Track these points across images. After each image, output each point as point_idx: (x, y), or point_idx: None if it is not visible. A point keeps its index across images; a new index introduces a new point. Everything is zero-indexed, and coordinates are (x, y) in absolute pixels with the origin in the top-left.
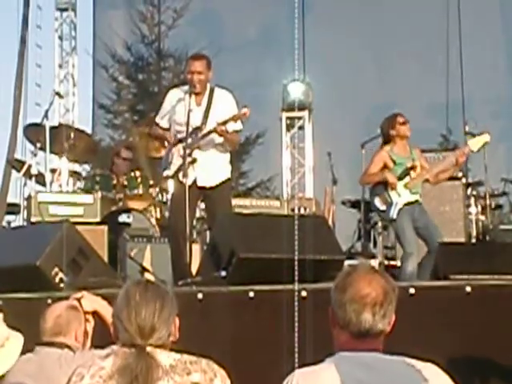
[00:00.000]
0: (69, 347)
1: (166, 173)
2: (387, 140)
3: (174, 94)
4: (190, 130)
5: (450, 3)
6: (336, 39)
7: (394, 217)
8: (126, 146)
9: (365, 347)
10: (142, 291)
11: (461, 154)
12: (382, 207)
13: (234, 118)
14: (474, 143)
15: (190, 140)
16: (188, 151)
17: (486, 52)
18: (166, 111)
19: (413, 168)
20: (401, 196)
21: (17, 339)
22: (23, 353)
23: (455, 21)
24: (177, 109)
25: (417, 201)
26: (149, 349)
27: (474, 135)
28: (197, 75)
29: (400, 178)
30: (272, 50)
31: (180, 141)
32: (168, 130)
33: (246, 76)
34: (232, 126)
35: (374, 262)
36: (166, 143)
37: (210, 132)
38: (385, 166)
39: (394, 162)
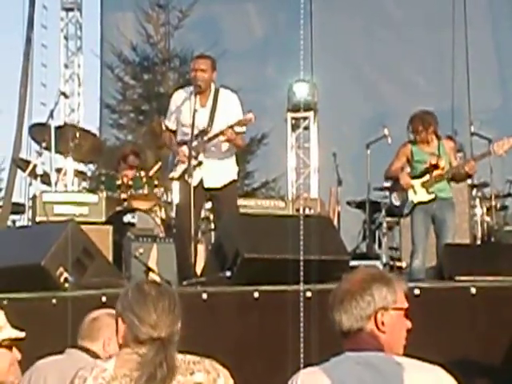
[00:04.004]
0: (98, 356)
1: (172, 174)
2: None
3: (178, 96)
4: (196, 131)
5: (456, 11)
6: (342, 40)
7: (406, 213)
8: (133, 152)
9: (354, 347)
10: (155, 287)
11: (470, 167)
12: (397, 203)
13: (240, 124)
14: (499, 146)
15: (195, 143)
16: (194, 153)
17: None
18: (172, 112)
19: (436, 166)
20: (417, 194)
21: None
22: (29, 353)
23: (461, 27)
24: (182, 110)
25: (434, 199)
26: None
27: (481, 137)
28: (200, 72)
29: (419, 176)
30: (278, 50)
31: (185, 143)
32: (175, 131)
33: (252, 76)
34: (236, 129)
35: (379, 264)
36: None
37: (216, 135)
38: (408, 160)
39: (414, 158)
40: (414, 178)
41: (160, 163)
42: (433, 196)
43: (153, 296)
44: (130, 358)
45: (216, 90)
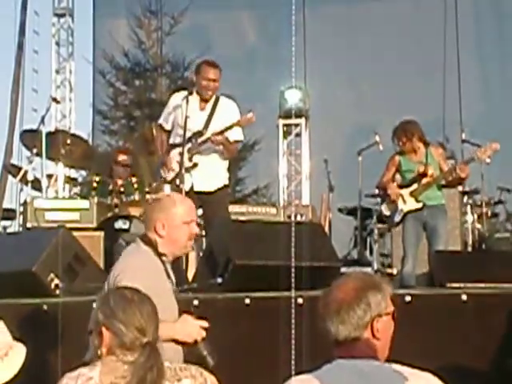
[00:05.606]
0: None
1: (164, 177)
2: None
3: (177, 98)
4: (190, 134)
5: (448, 18)
6: (334, 47)
7: (397, 222)
8: (122, 151)
9: (346, 355)
10: (136, 293)
11: (461, 168)
12: (387, 213)
13: (240, 123)
14: (482, 152)
15: (189, 145)
16: (188, 156)
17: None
18: (169, 113)
19: (424, 174)
20: (406, 203)
21: (20, 349)
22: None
23: (453, 36)
24: (180, 112)
25: (422, 207)
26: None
27: (472, 144)
28: (213, 83)
29: (407, 185)
30: (270, 57)
31: (178, 145)
32: (170, 132)
33: (244, 82)
34: (233, 136)
35: (371, 270)
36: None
37: (207, 139)
38: (398, 171)
39: (402, 169)
40: (403, 187)
41: (137, 179)
42: (421, 204)
43: (136, 301)
44: (115, 365)
45: (217, 97)
